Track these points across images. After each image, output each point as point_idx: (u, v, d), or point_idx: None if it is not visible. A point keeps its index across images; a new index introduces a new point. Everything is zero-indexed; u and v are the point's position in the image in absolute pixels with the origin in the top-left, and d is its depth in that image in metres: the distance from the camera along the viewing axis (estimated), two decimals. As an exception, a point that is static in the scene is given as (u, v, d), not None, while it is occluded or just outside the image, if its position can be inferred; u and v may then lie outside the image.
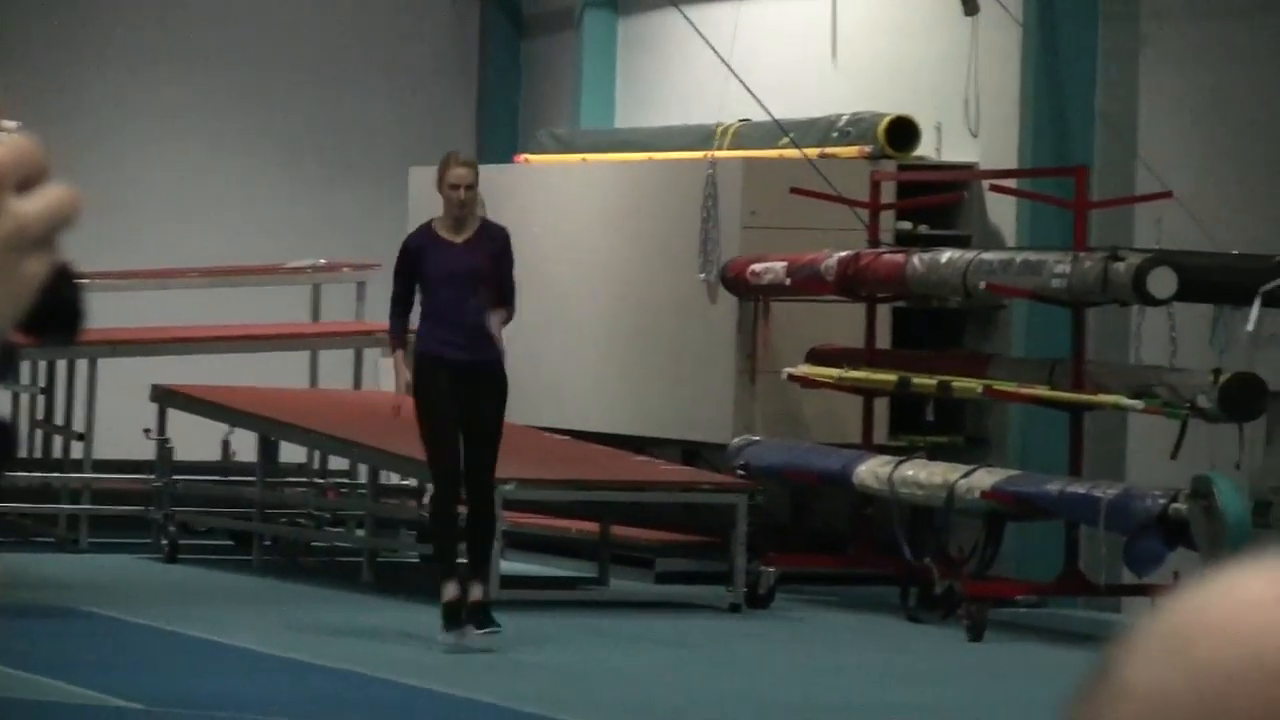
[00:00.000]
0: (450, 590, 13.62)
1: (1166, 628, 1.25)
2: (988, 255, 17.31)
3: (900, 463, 17.17)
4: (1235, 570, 1.32)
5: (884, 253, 17.77)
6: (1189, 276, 15.72)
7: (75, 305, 1.42)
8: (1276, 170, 17.88)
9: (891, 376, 17.56)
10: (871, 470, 16.90)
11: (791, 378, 18.29)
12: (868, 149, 19.01)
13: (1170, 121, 18.62)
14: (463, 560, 14.16)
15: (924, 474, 16.94)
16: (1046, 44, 18.47)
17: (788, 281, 18.32)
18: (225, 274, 21.07)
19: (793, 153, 18.87)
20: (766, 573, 17.37)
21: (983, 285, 16.88)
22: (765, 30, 21.11)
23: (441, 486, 13.68)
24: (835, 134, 19.18)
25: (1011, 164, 18.78)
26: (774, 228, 18.35)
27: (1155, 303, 15.76)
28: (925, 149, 19.43)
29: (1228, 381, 15.35)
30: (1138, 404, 16.11)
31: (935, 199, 19.25)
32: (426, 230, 13.69)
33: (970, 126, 19.44)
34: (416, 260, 13.47)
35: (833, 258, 17.76)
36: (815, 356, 18.43)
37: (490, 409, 13.37)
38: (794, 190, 17.99)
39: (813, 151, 18.80)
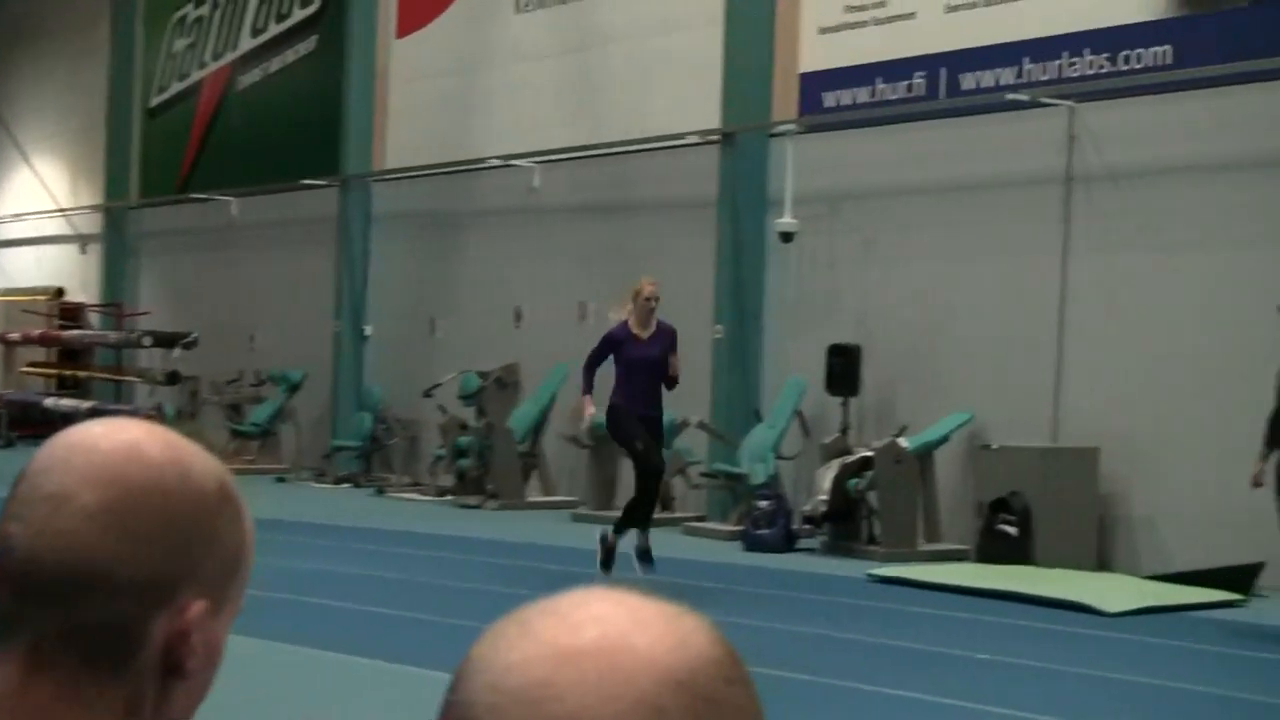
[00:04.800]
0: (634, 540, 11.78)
1: None
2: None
3: (60, 398, 24.58)
4: None
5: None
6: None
7: None
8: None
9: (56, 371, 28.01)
10: (54, 402, 24.21)
11: (22, 372, 26.83)
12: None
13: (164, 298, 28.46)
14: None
15: (68, 402, 23.99)
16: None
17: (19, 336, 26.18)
18: None
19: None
20: (13, 436, 24.58)
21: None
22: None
23: (646, 455, 11.60)
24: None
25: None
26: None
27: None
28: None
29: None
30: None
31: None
32: (624, 327, 11.83)
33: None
34: (617, 346, 11.74)
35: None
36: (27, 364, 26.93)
37: (658, 437, 12.04)
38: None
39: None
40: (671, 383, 11.85)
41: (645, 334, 11.81)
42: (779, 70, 17.17)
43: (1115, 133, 14.41)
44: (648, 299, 11.86)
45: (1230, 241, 13.60)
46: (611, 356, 11.92)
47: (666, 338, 11.90)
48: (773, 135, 17.12)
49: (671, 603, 1.05)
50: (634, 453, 11.76)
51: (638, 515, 11.80)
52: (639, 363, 11.70)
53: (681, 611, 1.05)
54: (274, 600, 9.77)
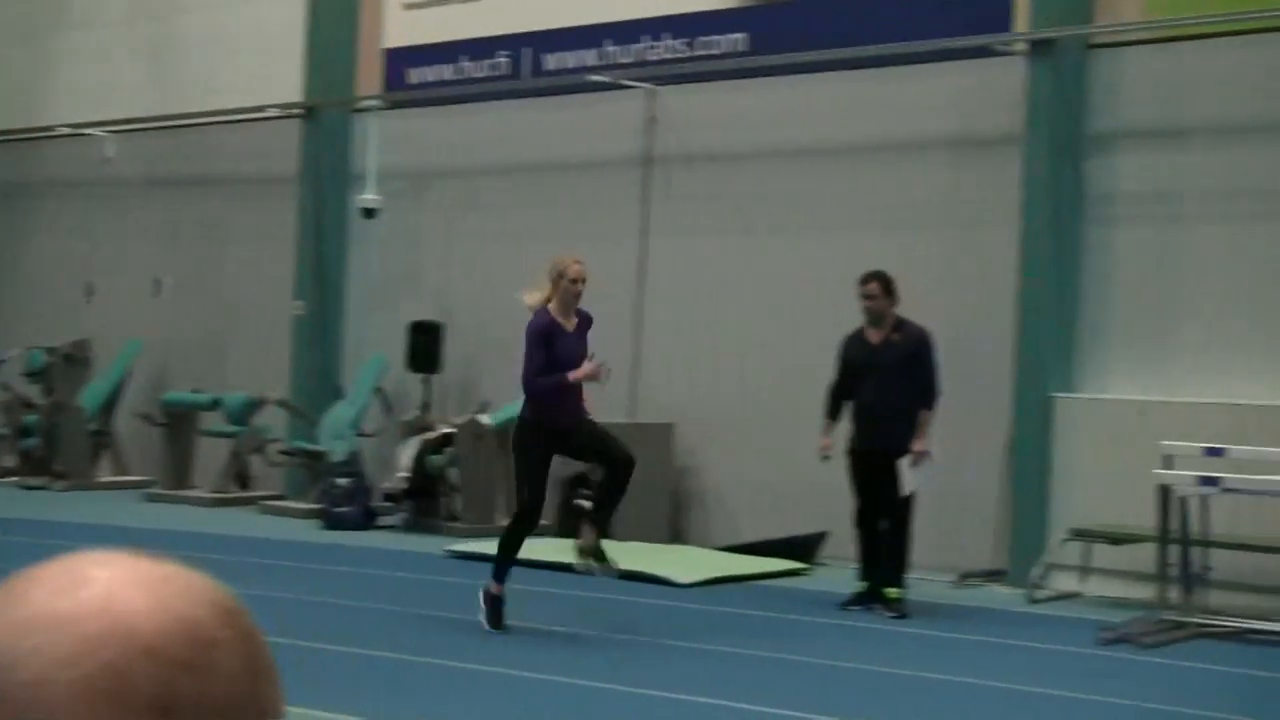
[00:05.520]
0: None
1: None
2: None
3: None
4: None
5: None
6: None
7: None
8: None
9: None
10: None
11: None
12: None
13: None
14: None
15: None
16: None
17: None
18: None
19: None
20: None
21: None
22: None
23: (531, 508, 9.42)
24: None
25: None
26: None
27: None
28: None
29: None
30: None
31: None
32: (548, 315, 9.52)
33: None
34: (551, 340, 9.39)
35: None
36: None
37: (598, 430, 9.64)
38: None
39: None
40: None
41: (570, 325, 9.61)
42: (363, 45, 16.98)
43: (693, 116, 14.72)
44: (574, 281, 9.58)
45: (803, 225, 14.05)
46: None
47: (587, 327, 9.73)
48: (356, 110, 16.92)
49: (170, 566, 1.02)
50: (520, 494, 9.60)
51: (513, 540, 9.66)
52: (571, 361, 9.48)
53: (175, 575, 1.02)
54: None
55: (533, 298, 9.67)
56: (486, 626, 9.48)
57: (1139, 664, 9.15)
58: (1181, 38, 12.15)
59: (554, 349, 9.45)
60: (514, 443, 9.66)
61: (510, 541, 9.68)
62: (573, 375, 9.41)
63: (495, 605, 9.59)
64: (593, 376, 9.48)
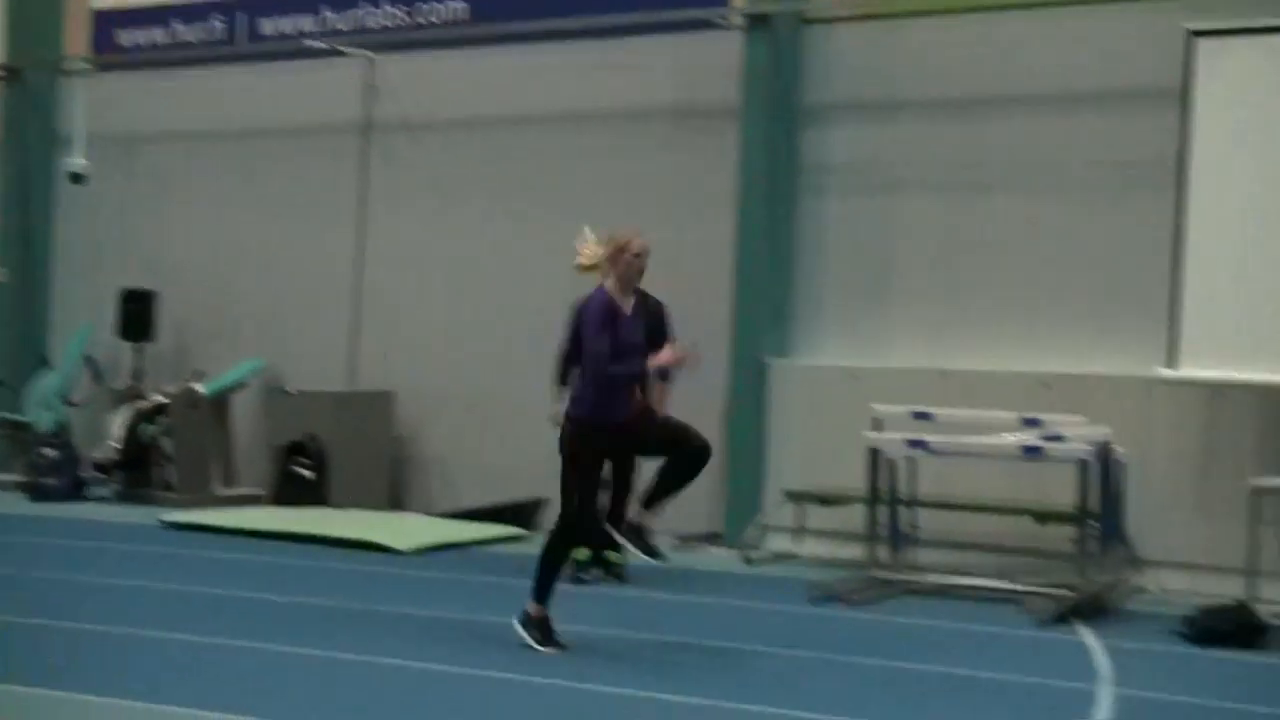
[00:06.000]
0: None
1: None
2: None
3: None
4: None
5: None
6: None
7: None
8: None
9: None
10: None
11: None
12: None
13: None
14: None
15: None
16: None
17: None
18: None
19: None
20: None
21: None
22: None
23: (579, 519, 8.05)
24: None
25: None
26: None
27: None
28: None
29: None
30: None
31: None
32: (607, 295, 8.09)
33: None
34: (612, 321, 8.02)
35: None
36: None
37: (672, 423, 8.78)
38: None
39: None
40: (661, 373, 8.75)
41: (628, 306, 8.16)
42: (71, 6, 16.51)
43: (413, 85, 14.62)
44: (638, 255, 8.13)
45: (525, 194, 14.07)
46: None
47: (645, 313, 8.41)
48: (63, 73, 16.42)
49: None
50: (567, 504, 8.08)
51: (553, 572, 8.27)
52: (630, 348, 8.05)
53: None
54: None
55: (589, 251, 8.19)
56: (541, 649, 8.10)
57: (847, 620, 9.39)
58: (890, 15, 12.48)
59: (612, 332, 8.03)
60: (563, 446, 8.11)
61: (554, 559, 8.25)
62: (656, 361, 8.04)
63: (543, 626, 8.22)
64: (680, 362, 8.12)
